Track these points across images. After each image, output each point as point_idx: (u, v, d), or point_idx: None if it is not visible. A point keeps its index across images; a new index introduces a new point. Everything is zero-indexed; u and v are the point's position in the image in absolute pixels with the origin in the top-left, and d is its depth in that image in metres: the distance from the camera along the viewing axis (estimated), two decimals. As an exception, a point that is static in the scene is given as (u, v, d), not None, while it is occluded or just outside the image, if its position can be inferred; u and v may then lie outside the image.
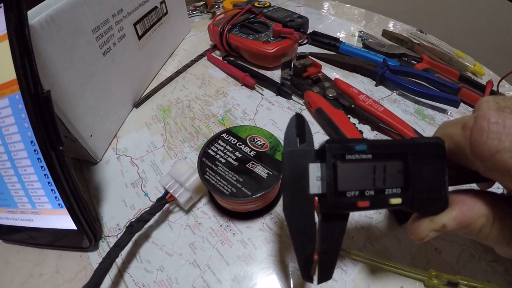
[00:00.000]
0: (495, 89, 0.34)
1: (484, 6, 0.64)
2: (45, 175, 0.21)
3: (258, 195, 0.20)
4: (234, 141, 0.23)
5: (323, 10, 0.54)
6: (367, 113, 0.29)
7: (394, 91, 0.35)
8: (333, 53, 0.40)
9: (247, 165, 0.22)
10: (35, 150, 0.20)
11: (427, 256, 0.20)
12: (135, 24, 0.32)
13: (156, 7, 0.36)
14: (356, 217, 0.23)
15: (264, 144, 0.23)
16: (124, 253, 0.21)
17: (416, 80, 0.35)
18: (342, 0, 0.58)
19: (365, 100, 0.30)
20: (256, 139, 0.24)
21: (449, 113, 0.33)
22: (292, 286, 0.19)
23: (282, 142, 0.18)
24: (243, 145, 0.23)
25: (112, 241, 0.21)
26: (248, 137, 0.24)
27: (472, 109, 0.30)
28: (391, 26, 0.50)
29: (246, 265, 0.20)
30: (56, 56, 0.22)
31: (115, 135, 0.31)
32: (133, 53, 0.32)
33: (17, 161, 0.21)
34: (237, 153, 0.23)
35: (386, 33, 0.46)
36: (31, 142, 0.20)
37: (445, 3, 0.70)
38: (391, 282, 0.19)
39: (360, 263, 0.20)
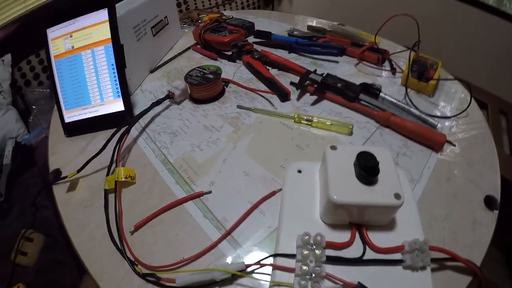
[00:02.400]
0: (376, 46, 0.71)
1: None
2: (114, 79, 0.59)
3: (206, 84, 0.58)
4: (200, 70, 0.63)
5: (272, 19, 0.98)
6: (274, 62, 0.69)
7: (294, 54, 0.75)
8: (266, 40, 0.81)
9: (205, 75, 0.61)
10: (112, 66, 0.59)
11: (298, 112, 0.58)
12: (151, 28, 0.75)
13: (162, 20, 0.79)
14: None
15: (213, 70, 0.62)
16: (148, 117, 0.59)
17: (316, 48, 0.75)
18: (288, 11, 1.03)
19: (274, 57, 0.70)
20: (210, 68, 0.63)
21: (337, 62, 0.72)
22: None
23: (216, 67, 0.58)
24: (205, 71, 0.62)
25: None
26: (208, 68, 0.63)
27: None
28: (314, 23, 0.91)
29: (207, 129, 0.58)
30: (121, 35, 0.62)
31: (140, 83, 0.71)
32: (150, 43, 0.74)
33: (100, 73, 0.59)
34: (200, 74, 0.62)
35: (309, 27, 0.87)
36: (111, 64, 0.59)
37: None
38: (274, 120, 0.56)
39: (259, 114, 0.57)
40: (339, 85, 0.58)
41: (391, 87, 0.64)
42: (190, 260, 0.37)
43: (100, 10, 0.59)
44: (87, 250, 0.40)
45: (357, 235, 0.37)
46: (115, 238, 0.40)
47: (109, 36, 0.58)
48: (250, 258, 0.37)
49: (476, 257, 0.37)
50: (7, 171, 0.81)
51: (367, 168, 0.34)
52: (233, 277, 0.34)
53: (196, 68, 0.61)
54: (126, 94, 0.58)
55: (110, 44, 0.58)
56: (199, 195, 0.44)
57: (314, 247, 0.34)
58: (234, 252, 0.37)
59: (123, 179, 0.46)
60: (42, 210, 0.72)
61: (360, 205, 0.34)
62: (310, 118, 0.53)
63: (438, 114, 0.58)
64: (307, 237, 0.34)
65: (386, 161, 0.36)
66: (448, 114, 0.58)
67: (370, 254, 0.35)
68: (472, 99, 0.61)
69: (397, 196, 0.33)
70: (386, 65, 0.71)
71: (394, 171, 0.36)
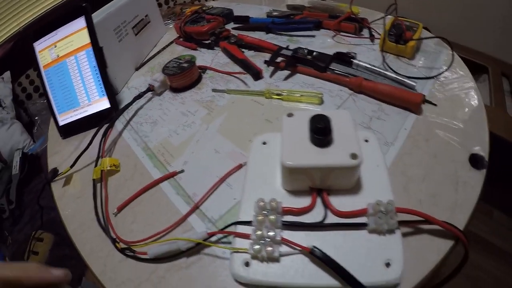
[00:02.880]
0: (354, 16, 0.74)
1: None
2: (98, 80, 0.66)
3: (181, 72, 0.64)
4: (176, 60, 0.68)
5: (263, 4, 1.01)
6: (249, 44, 0.73)
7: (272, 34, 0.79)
8: (245, 24, 0.86)
9: (180, 65, 0.66)
10: (95, 68, 0.66)
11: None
12: (132, 28, 0.81)
13: (142, 19, 0.85)
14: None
15: (188, 59, 0.67)
16: (132, 111, 0.65)
17: (292, 26, 0.78)
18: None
19: (249, 39, 0.74)
20: (186, 58, 0.68)
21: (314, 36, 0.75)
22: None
23: (191, 56, 0.63)
24: (181, 60, 0.67)
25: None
26: (184, 58, 0.68)
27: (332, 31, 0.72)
28: (297, 1, 0.94)
29: (183, 114, 0.63)
30: (101, 39, 0.69)
31: (127, 81, 0.77)
32: (132, 42, 0.80)
33: (85, 76, 0.66)
34: (176, 64, 0.67)
35: (288, 6, 0.90)
36: (94, 66, 0.66)
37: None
38: (246, 99, 0.60)
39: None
40: (309, 57, 0.62)
41: (369, 54, 0.66)
42: (162, 234, 0.41)
43: (78, 19, 0.66)
44: (79, 234, 0.46)
45: (319, 200, 0.38)
46: (102, 221, 0.46)
47: (89, 41, 0.65)
48: (216, 228, 0.41)
49: (459, 219, 0.37)
50: (16, 180, 0.91)
51: (317, 130, 0.35)
52: (199, 246, 0.37)
53: (173, 60, 0.67)
54: (110, 92, 0.65)
55: (90, 48, 0.65)
56: (172, 174, 0.49)
57: (269, 212, 0.35)
58: (202, 224, 0.41)
59: (108, 168, 0.53)
60: (50, 212, 0.80)
61: (313, 168, 0.35)
62: (280, 92, 0.57)
63: (419, 76, 0.59)
64: (262, 203, 0.36)
65: (344, 123, 0.38)
66: (430, 75, 0.59)
67: (333, 219, 0.36)
68: (458, 58, 0.62)
69: (353, 156, 0.34)
70: (366, 33, 0.73)
71: (353, 132, 0.37)
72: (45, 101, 1.21)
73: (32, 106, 1.20)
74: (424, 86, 0.56)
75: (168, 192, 0.47)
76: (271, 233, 0.34)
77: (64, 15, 0.67)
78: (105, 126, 0.58)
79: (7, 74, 1.14)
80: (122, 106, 0.65)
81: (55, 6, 1.28)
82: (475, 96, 0.54)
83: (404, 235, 0.35)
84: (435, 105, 0.52)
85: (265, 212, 0.36)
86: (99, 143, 0.56)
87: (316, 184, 0.38)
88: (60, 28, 0.68)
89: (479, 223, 1.36)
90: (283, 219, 0.36)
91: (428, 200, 0.39)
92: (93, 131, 0.58)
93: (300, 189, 0.39)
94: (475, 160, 0.43)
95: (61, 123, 0.67)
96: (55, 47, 0.68)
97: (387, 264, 0.32)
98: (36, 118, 1.17)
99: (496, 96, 1.28)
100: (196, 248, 0.38)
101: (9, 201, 0.88)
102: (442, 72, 0.59)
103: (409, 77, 0.56)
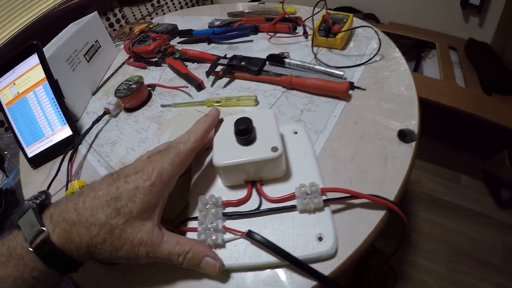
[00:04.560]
0: (288, 16, 0.84)
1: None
2: (58, 110, 0.75)
3: (131, 93, 0.74)
4: (126, 82, 0.78)
5: (199, 15, 1.12)
6: (192, 57, 0.83)
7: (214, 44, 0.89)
8: (189, 37, 0.96)
9: (130, 86, 0.76)
10: (53, 100, 0.75)
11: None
12: (84, 55, 0.90)
13: (93, 44, 0.94)
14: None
15: (136, 80, 0.77)
16: (93, 134, 0.75)
17: (230, 34, 0.89)
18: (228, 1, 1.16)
19: (191, 53, 0.84)
20: (134, 79, 0.78)
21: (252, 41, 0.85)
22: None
23: (138, 76, 0.73)
24: (130, 82, 0.77)
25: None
26: (132, 79, 0.78)
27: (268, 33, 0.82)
28: (240, 7, 1.05)
29: (138, 132, 0.74)
30: (55, 71, 0.77)
31: (85, 107, 0.87)
32: (86, 69, 0.89)
33: (45, 108, 0.75)
34: (127, 86, 0.77)
35: (229, 14, 1.00)
36: (52, 98, 0.75)
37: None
38: (191, 110, 0.71)
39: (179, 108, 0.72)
40: (242, 63, 0.72)
41: (303, 51, 0.76)
42: None
43: (31, 56, 0.75)
44: None
45: (254, 191, 0.44)
46: None
47: (44, 75, 0.74)
48: (173, 227, 0.45)
49: (389, 191, 0.41)
50: (-5, 217, 0.99)
51: (239, 131, 0.41)
52: None
53: (123, 82, 0.76)
54: (70, 120, 0.74)
55: (46, 82, 0.74)
56: None
57: (210, 206, 0.41)
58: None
59: (77, 190, 0.62)
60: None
61: (241, 164, 0.40)
62: (219, 99, 0.67)
63: (350, 65, 0.66)
64: (203, 199, 0.42)
65: (267, 121, 0.45)
66: (360, 62, 0.66)
67: (267, 205, 0.42)
68: (388, 39, 0.70)
69: (274, 148, 0.40)
70: (302, 31, 0.82)
71: (275, 128, 0.43)
72: (11, 134, 1.29)
73: (0, 141, 1.27)
74: (354, 73, 0.64)
75: None
76: (213, 224, 0.39)
77: (18, 54, 0.76)
78: (70, 152, 0.68)
79: (-27, 114, 1.21)
80: (83, 131, 0.74)
81: (5, 42, 1.37)
82: (406, 76, 0.60)
83: (335, 211, 0.41)
84: (364, 89, 0.58)
85: (207, 207, 0.41)
86: (66, 169, 0.66)
87: (250, 177, 0.44)
88: (16, 67, 0.77)
89: (449, 191, 1.50)
90: (225, 211, 0.42)
91: (356, 177, 0.44)
92: (61, 158, 0.67)
93: (237, 184, 0.45)
94: (403, 135, 0.48)
95: (29, 155, 0.75)
96: (14, 84, 0.77)
97: (320, 238, 0.37)
98: (6, 152, 1.24)
99: (444, 69, 1.41)
100: None
101: (-12, 240, 0.96)
102: (371, 58, 0.66)
103: (337, 67, 0.65)
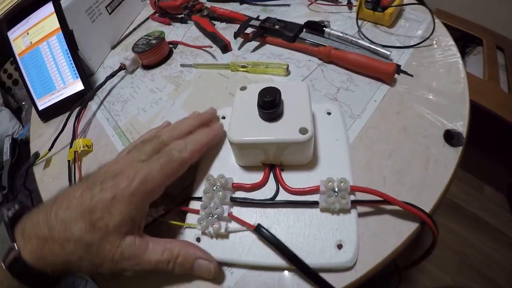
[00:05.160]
0: None
1: None
2: (71, 63, 0.70)
3: (149, 49, 0.67)
4: (146, 37, 0.71)
5: None
6: (221, 16, 0.75)
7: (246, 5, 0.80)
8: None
9: (149, 42, 0.69)
10: (67, 52, 0.70)
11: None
12: (106, 7, 0.84)
13: (116, -4, 0.88)
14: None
15: (157, 36, 0.70)
16: (106, 90, 0.69)
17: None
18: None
19: (221, 11, 0.76)
20: (155, 34, 0.71)
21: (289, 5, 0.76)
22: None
23: (160, 31, 0.66)
24: (150, 37, 0.71)
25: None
26: (153, 34, 0.71)
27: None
28: None
29: (152, 91, 0.67)
30: (72, 22, 0.72)
31: (102, 61, 0.81)
32: (107, 22, 0.83)
33: (58, 60, 0.71)
34: (146, 41, 0.70)
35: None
36: (66, 50, 0.70)
37: None
38: (212, 73, 0.64)
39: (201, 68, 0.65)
40: (276, 26, 0.63)
41: (346, 23, 0.67)
42: None
43: (46, 4, 0.70)
44: None
45: (272, 176, 0.39)
46: None
47: (58, 25, 0.69)
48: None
49: (426, 200, 0.35)
50: (8, 166, 0.98)
51: (264, 103, 0.35)
52: (159, 221, 0.39)
53: (143, 37, 0.70)
54: (82, 74, 0.69)
55: (61, 32, 0.69)
56: None
57: (218, 189, 0.36)
58: (162, 200, 0.45)
59: (81, 149, 0.57)
60: (39, 194, 0.87)
61: (260, 143, 0.35)
62: (245, 64, 0.59)
63: (398, 45, 0.58)
64: (211, 179, 0.36)
65: (299, 96, 0.38)
66: (409, 44, 0.58)
67: (285, 196, 0.37)
68: (442, 26, 0.61)
69: (303, 130, 0.34)
70: (345, 1, 0.72)
71: (307, 105, 0.37)
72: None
73: (19, 91, 1.26)
74: (401, 55, 0.56)
75: None
76: (218, 210, 0.34)
77: (33, 1, 0.71)
78: (78, 108, 0.62)
79: (-9, 63, 1.21)
80: (96, 85, 0.69)
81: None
82: (459, 68, 0.52)
83: (362, 215, 0.35)
84: (411, 75, 0.50)
85: (214, 188, 0.36)
86: (73, 125, 0.61)
87: (269, 160, 0.38)
88: (30, 15, 0.72)
89: (470, 199, 1.40)
90: (234, 195, 0.37)
91: (392, 177, 0.38)
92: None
93: (252, 165, 0.40)
94: (450, 136, 0.41)
95: (40, 107, 0.71)
96: (28, 34, 0.72)
97: (339, 246, 0.32)
98: (24, 103, 1.24)
99: (489, 70, 1.29)
100: (156, 223, 0.40)
101: (1, 186, 0.96)
102: (423, 41, 0.57)
103: (384, 46, 0.56)
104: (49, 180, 0.57)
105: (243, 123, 0.37)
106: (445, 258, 1.24)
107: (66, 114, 0.64)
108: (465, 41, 1.55)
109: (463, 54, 1.52)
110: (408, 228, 0.34)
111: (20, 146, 1.06)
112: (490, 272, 1.20)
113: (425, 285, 1.18)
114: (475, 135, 1.27)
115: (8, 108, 1.21)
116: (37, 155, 0.64)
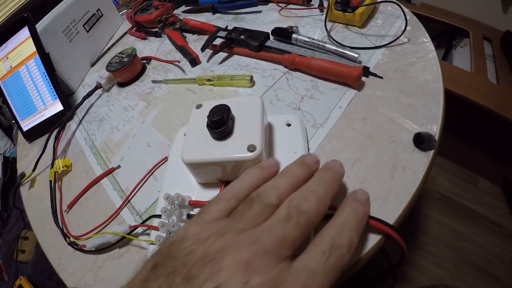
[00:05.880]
0: None
1: None
2: (49, 85, 0.72)
3: (121, 67, 0.69)
4: (119, 55, 0.74)
5: None
6: (193, 28, 0.77)
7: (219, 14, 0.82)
8: (194, 5, 0.89)
9: (122, 60, 0.72)
10: (44, 74, 0.72)
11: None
12: (83, 25, 0.86)
13: (94, 13, 0.90)
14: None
15: (129, 53, 0.73)
16: (84, 109, 0.72)
17: (236, 3, 0.81)
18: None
19: (192, 23, 0.78)
20: (128, 51, 0.74)
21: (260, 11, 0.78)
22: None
23: (132, 48, 0.68)
24: (123, 55, 0.73)
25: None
26: (126, 52, 0.74)
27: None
28: None
29: (125, 109, 0.70)
30: (50, 43, 0.75)
31: (82, 79, 0.84)
32: (85, 40, 0.86)
33: (37, 83, 0.73)
34: (119, 59, 0.73)
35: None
36: (43, 72, 0.73)
37: None
38: (181, 88, 0.66)
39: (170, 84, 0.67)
40: (242, 36, 0.65)
41: (316, 26, 0.67)
42: (100, 227, 0.48)
43: (22, 30, 0.73)
44: (41, 232, 0.54)
45: None
46: (57, 218, 0.54)
47: (35, 49, 0.71)
48: (141, 220, 0.45)
49: (391, 210, 0.34)
50: (0, 185, 1.03)
51: (211, 123, 0.35)
52: (127, 239, 0.43)
53: (116, 55, 0.72)
54: (61, 95, 0.72)
55: (37, 56, 0.72)
56: (110, 171, 0.55)
57: (175, 206, 0.37)
58: (131, 216, 0.47)
59: (60, 170, 0.60)
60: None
61: (210, 162, 0.36)
62: (210, 77, 0.61)
63: (369, 45, 0.57)
64: (168, 197, 0.38)
65: (252, 112, 0.38)
66: (382, 44, 0.56)
67: None
68: (417, 21, 0.60)
69: (251, 147, 0.34)
70: (317, 3, 0.72)
71: (259, 121, 0.37)
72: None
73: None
74: (371, 56, 0.55)
75: (107, 188, 0.53)
76: (175, 227, 0.36)
77: (9, 28, 0.74)
78: (57, 129, 0.65)
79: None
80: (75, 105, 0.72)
81: (5, 18, 1.37)
82: (435, 65, 0.50)
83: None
84: (380, 77, 0.49)
85: (171, 206, 0.37)
86: (52, 146, 0.63)
87: (226, 177, 0.38)
88: (9, 40, 0.75)
89: (464, 193, 1.39)
90: (192, 213, 0.39)
91: (355, 188, 0.35)
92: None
93: (210, 182, 0.41)
94: (420, 140, 0.39)
95: (24, 128, 0.75)
96: (7, 58, 0.75)
97: None
98: (13, 121, 1.28)
99: (476, 61, 1.28)
100: (126, 240, 0.44)
101: (-5, 205, 1.00)
102: (394, 40, 0.56)
103: (352, 48, 0.56)
104: (34, 200, 0.60)
105: (195, 142, 0.38)
106: (441, 254, 1.23)
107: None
108: (452, 34, 1.54)
109: (450, 47, 1.51)
110: (371, 241, 0.33)
111: (12, 164, 1.10)
112: (489, 265, 1.18)
113: (422, 282, 1.18)
114: (466, 129, 1.28)
115: (-2, 127, 1.26)
116: (22, 175, 0.67)
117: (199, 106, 0.43)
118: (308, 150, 0.43)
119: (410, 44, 0.56)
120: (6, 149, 1.18)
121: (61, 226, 0.52)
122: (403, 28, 0.57)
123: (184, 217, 0.38)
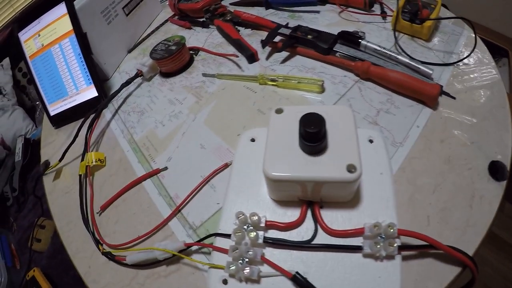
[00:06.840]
0: None
1: None
2: (84, 68, 0.62)
3: (168, 56, 0.58)
4: (165, 42, 0.63)
5: None
6: (246, 21, 0.67)
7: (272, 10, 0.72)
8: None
9: (168, 48, 0.61)
10: (80, 56, 0.62)
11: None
12: (123, 8, 0.75)
13: (134, -3, 0.79)
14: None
15: (177, 41, 0.62)
16: (121, 98, 0.61)
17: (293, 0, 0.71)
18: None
19: (246, 16, 0.67)
20: (175, 39, 0.63)
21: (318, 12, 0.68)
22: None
23: (180, 37, 0.57)
24: (169, 42, 0.62)
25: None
26: (173, 39, 0.63)
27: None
28: None
29: (171, 103, 0.59)
30: (87, 23, 0.64)
31: (118, 65, 0.73)
32: (123, 24, 0.75)
33: (70, 65, 0.63)
34: (165, 47, 0.62)
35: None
36: (78, 54, 0.62)
37: None
38: (238, 85, 0.55)
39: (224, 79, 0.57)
40: (309, 36, 0.56)
41: (380, 34, 0.59)
42: (142, 238, 0.40)
43: (58, 5, 0.64)
44: (66, 232, 0.46)
45: (309, 214, 0.34)
46: (88, 220, 0.45)
47: (71, 27, 0.62)
48: (196, 236, 0.38)
49: (471, 242, 0.32)
50: (19, 167, 0.92)
51: (307, 135, 0.30)
52: (176, 256, 0.36)
53: (162, 42, 0.63)
54: (96, 80, 0.62)
55: (73, 35, 0.62)
56: (155, 172, 0.46)
57: (249, 227, 0.32)
58: (183, 229, 0.39)
59: (93, 163, 0.51)
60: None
61: (300, 180, 0.30)
62: (275, 77, 0.52)
63: (436, 61, 0.51)
64: (242, 216, 0.33)
65: (344, 124, 0.33)
66: (449, 61, 0.51)
67: (323, 238, 0.32)
68: (481, 42, 0.53)
69: (351, 167, 0.29)
70: (378, 10, 0.65)
71: (353, 135, 0.32)
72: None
73: (33, 91, 1.20)
74: (441, 74, 0.48)
75: (151, 192, 0.45)
76: (250, 253, 0.31)
77: (45, 2, 0.65)
78: (91, 117, 0.55)
79: (6, 61, 1.15)
80: (111, 92, 0.62)
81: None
82: (501, 89, 0.45)
83: (405, 258, 0.31)
84: (453, 98, 0.45)
85: (245, 227, 0.32)
86: (85, 136, 0.54)
87: (307, 197, 0.34)
88: (42, 16, 0.66)
89: None
90: (266, 235, 0.33)
91: (437, 216, 0.34)
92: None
93: (288, 200, 0.35)
94: (495, 169, 0.36)
95: (52, 113, 0.66)
96: (39, 36, 0.67)
97: None
98: (37, 103, 1.17)
99: None
100: (176, 257, 0.36)
101: (12, 188, 0.89)
102: (463, 58, 0.50)
103: (424, 63, 0.49)
104: (59, 194, 0.51)
105: (280, 154, 0.31)
106: (462, 277, 1.16)
107: (79, 122, 0.58)
108: (490, 53, 1.44)
109: (488, 65, 1.43)
110: (451, 272, 0.30)
111: (33, 146, 0.99)
112: (506, 292, 1.11)
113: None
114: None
115: (21, 107, 1.14)
116: (47, 164, 0.58)
117: (279, 111, 0.36)
118: (392, 171, 0.38)
119: (476, 65, 0.50)
120: (28, 130, 1.07)
121: (91, 229, 0.44)
122: (468, 45, 0.53)
123: (260, 240, 0.32)
